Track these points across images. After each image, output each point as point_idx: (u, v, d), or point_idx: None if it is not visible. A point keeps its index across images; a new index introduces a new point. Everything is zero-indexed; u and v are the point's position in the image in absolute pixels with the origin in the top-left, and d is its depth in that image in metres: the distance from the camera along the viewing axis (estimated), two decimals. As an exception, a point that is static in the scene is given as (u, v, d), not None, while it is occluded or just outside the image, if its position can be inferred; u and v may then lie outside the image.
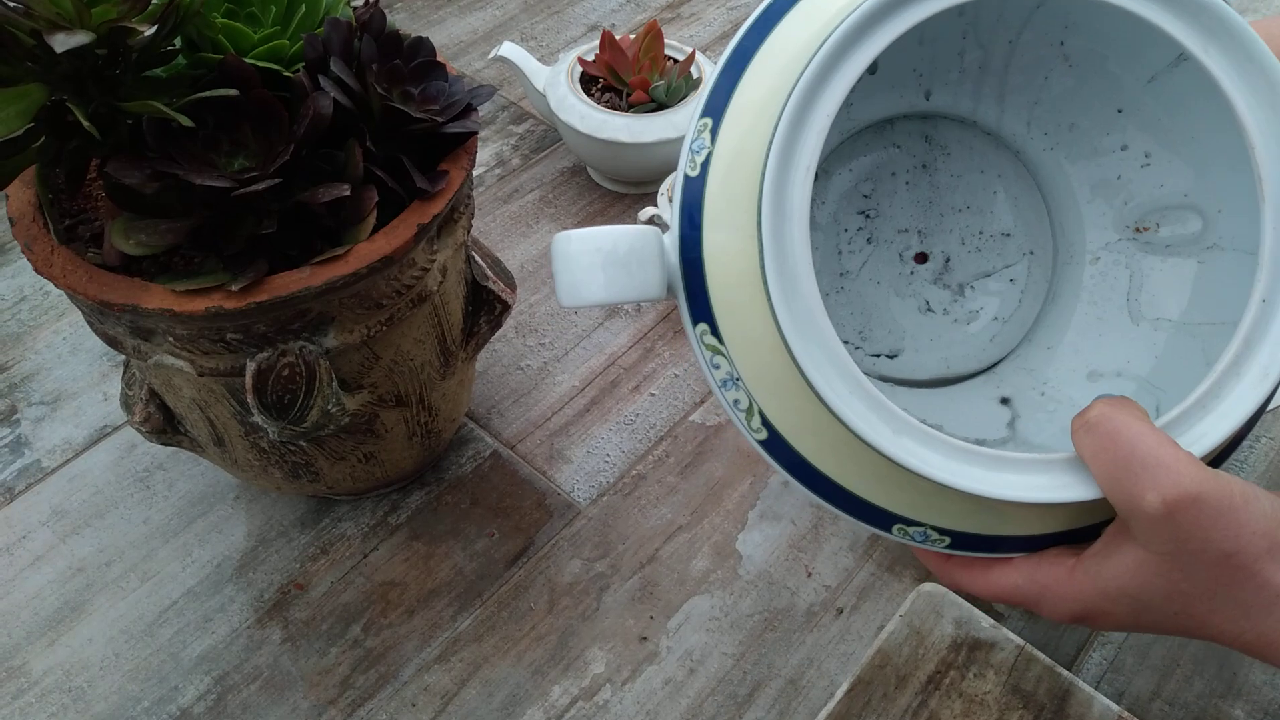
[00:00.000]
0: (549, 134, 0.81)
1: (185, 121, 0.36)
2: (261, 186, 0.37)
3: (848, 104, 0.39)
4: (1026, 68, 0.38)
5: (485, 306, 0.52)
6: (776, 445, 0.32)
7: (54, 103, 0.37)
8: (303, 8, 0.44)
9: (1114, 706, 0.46)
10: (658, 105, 0.71)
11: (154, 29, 0.38)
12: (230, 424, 0.46)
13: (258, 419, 0.42)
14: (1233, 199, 0.34)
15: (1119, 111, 0.37)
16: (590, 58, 0.73)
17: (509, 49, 0.74)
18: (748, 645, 0.51)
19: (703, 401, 0.62)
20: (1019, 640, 0.48)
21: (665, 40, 0.72)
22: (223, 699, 0.49)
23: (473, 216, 0.48)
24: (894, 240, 0.42)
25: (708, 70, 0.73)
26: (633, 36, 0.71)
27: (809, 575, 0.54)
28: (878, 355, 0.42)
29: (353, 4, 0.46)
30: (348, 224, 0.41)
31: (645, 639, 0.52)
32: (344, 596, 0.53)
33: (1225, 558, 0.28)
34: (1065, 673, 0.47)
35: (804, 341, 0.29)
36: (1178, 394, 0.30)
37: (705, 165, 0.32)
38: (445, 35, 0.91)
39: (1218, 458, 0.32)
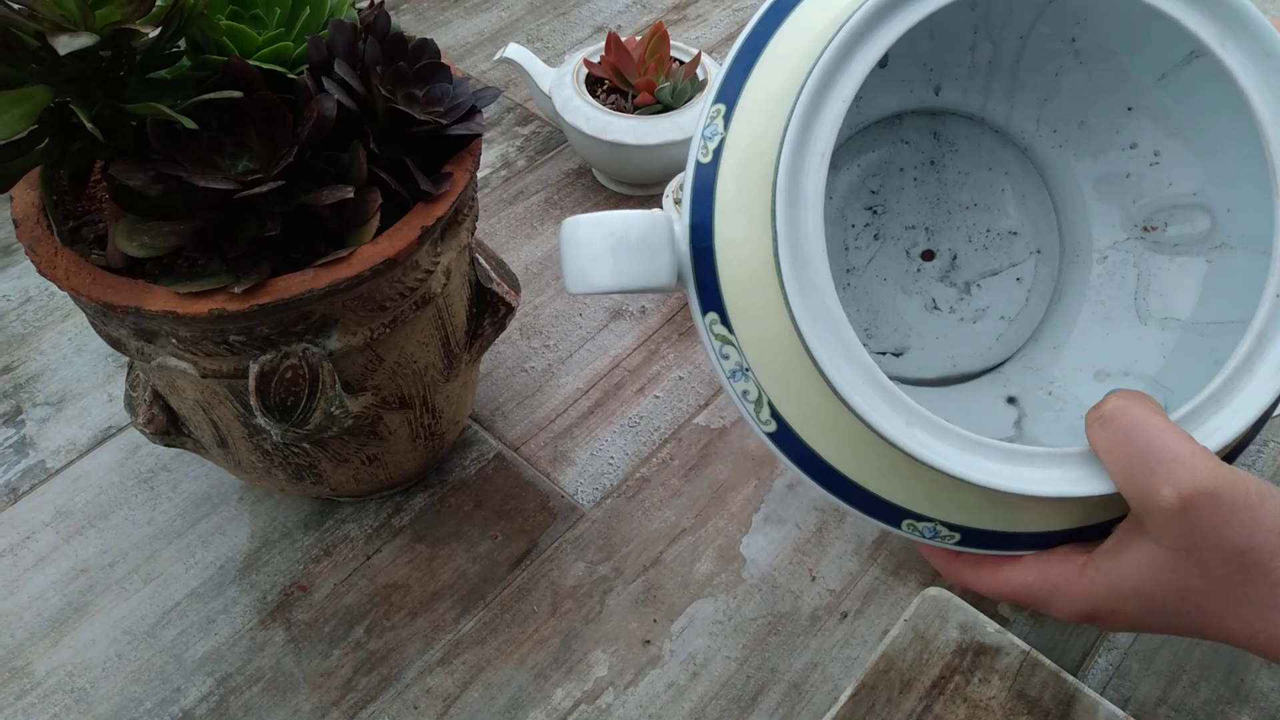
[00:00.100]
0: (555, 135, 0.81)
1: (188, 123, 0.36)
2: (265, 189, 0.37)
3: (857, 97, 0.39)
4: (1037, 64, 0.38)
5: (489, 308, 0.52)
6: (785, 438, 0.32)
7: (58, 105, 0.37)
8: (307, 9, 0.44)
9: (1119, 712, 0.45)
10: (663, 107, 0.70)
11: (158, 31, 0.38)
12: (234, 426, 0.46)
13: (261, 421, 0.42)
14: (1242, 197, 0.34)
15: (1129, 109, 0.37)
16: (596, 59, 0.73)
17: (514, 50, 0.74)
18: (751, 649, 0.51)
19: (707, 404, 0.62)
20: (1024, 645, 0.48)
21: (671, 42, 0.72)
22: (225, 700, 0.49)
23: (477, 218, 0.48)
24: (901, 237, 0.41)
25: (714, 71, 0.73)
26: (639, 38, 0.71)
27: (813, 579, 0.54)
28: (883, 353, 0.41)
29: (358, 6, 0.46)
30: (351, 226, 0.41)
31: (648, 642, 0.51)
32: (347, 598, 0.53)
33: (1240, 554, 0.28)
34: (1071, 678, 0.47)
35: (817, 329, 0.28)
36: (1186, 394, 0.30)
37: (718, 151, 0.32)
38: (451, 37, 0.91)
39: (1229, 455, 0.32)
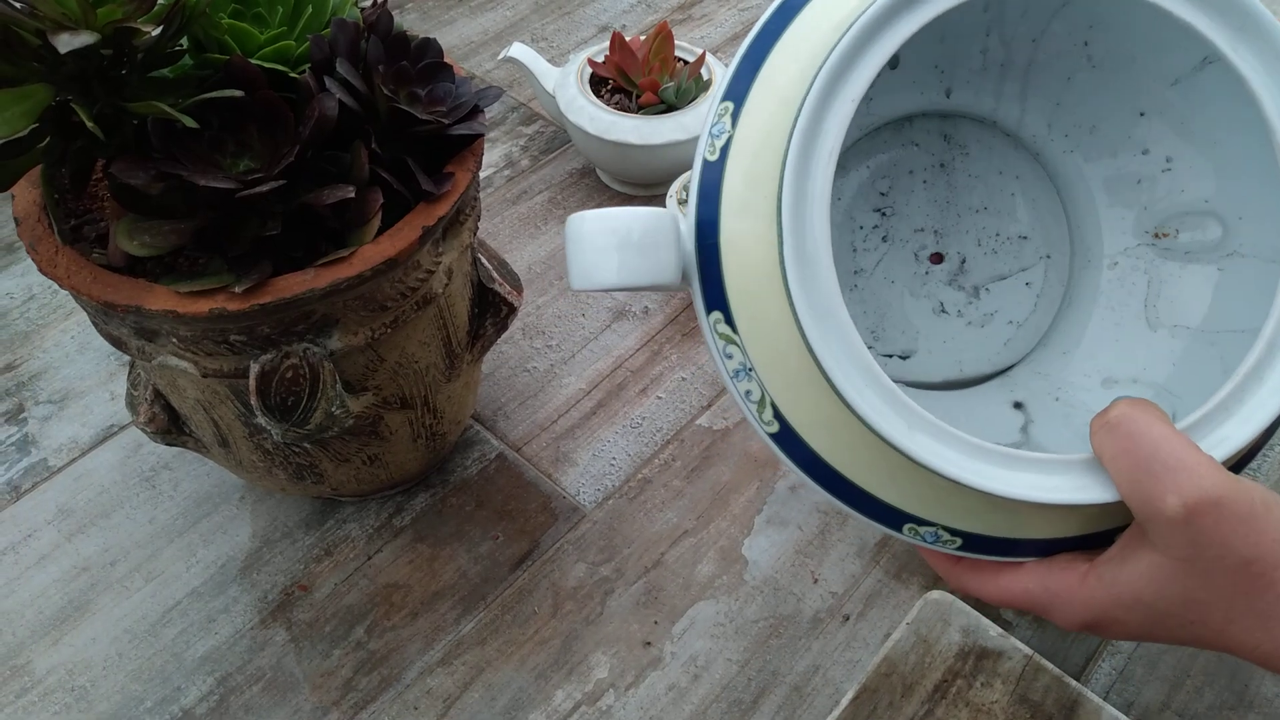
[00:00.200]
0: (558, 135, 0.81)
1: (189, 122, 0.36)
2: (265, 188, 0.37)
3: (868, 98, 0.39)
4: (1049, 67, 0.38)
5: (491, 309, 0.51)
6: (787, 439, 0.31)
7: (59, 103, 0.37)
8: (309, 8, 0.43)
9: (1123, 718, 0.45)
10: (667, 107, 0.70)
11: (159, 30, 0.37)
12: (234, 425, 0.46)
13: (261, 421, 0.42)
14: (1255, 206, 0.34)
15: (1141, 115, 0.37)
16: (600, 59, 0.73)
17: (518, 50, 0.74)
18: (752, 651, 0.51)
19: (710, 405, 0.62)
20: (1027, 649, 0.48)
21: (676, 42, 0.72)
22: (225, 700, 0.49)
23: (479, 219, 0.48)
24: (910, 239, 0.41)
25: (718, 72, 0.73)
26: (643, 38, 0.71)
27: (815, 581, 0.54)
28: (890, 356, 0.41)
29: (360, 5, 0.46)
30: (352, 226, 0.41)
31: (649, 644, 0.51)
32: (348, 598, 0.53)
33: (1244, 565, 0.27)
34: (1074, 683, 0.47)
35: (821, 330, 0.28)
36: (1194, 402, 0.29)
37: (725, 150, 0.31)
38: (456, 36, 0.91)
39: (1236, 465, 0.32)
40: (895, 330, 0.41)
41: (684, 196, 0.65)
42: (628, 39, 0.70)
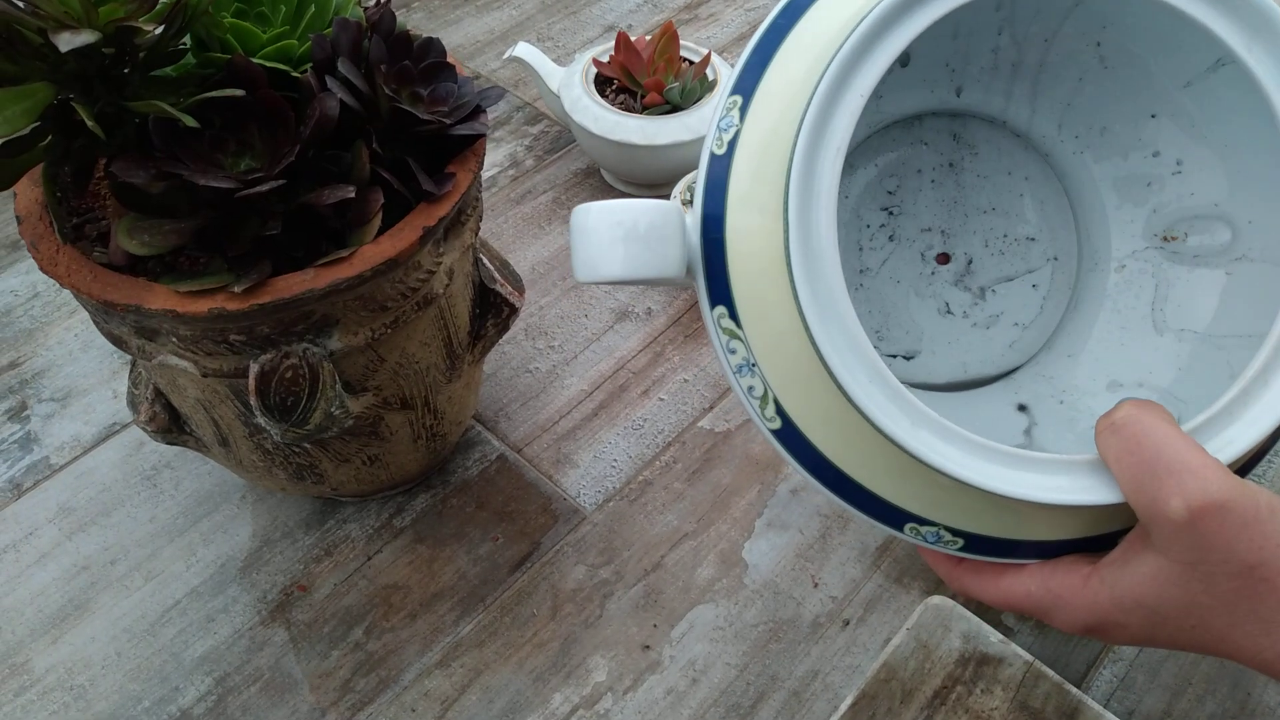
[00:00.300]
0: (563, 135, 0.81)
1: (189, 121, 0.36)
2: (265, 188, 0.37)
3: (878, 95, 0.39)
4: (1061, 68, 0.38)
5: (493, 309, 0.51)
6: (790, 435, 0.31)
7: (60, 101, 0.37)
8: (312, 7, 0.43)
9: (1124, 726, 0.45)
10: (672, 107, 0.70)
11: (161, 28, 0.37)
12: (235, 425, 0.46)
13: (261, 421, 0.42)
14: (1265, 210, 0.33)
15: (1152, 117, 0.37)
16: (605, 59, 0.72)
17: (524, 49, 0.73)
18: (751, 656, 0.51)
19: (712, 407, 0.62)
20: (1027, 656, 0.47)
21: (681, 42, 0.71)
22: (223, 700, 0.49)
23: (481, 219, 0.48)
24: (916, 239, 0.41)
25: (724, 72, 0.73)
26: (649, 38, 0.71)
27: (815, 585, 0.53)
28: (894, 356, 0.41)
29: (364, 4, 0.46)
30: (353, 226, 0.41)
31: (648, 647, 0.51)
32: (347, 599, 0.53)
33: (1249, 569, 0.27)
34: (1074, 690, 0.46)
35: (825, 325, 0.28)
36: (1199, 407, 0.29)
37: (733, 144, 0.31)
38: (462, 35, 0.91)
39: (1243, 469, 0.32)
40: (900, 330, 0.41)
41: (688, 197, 0.65)
42: (634, 39, 0.70)
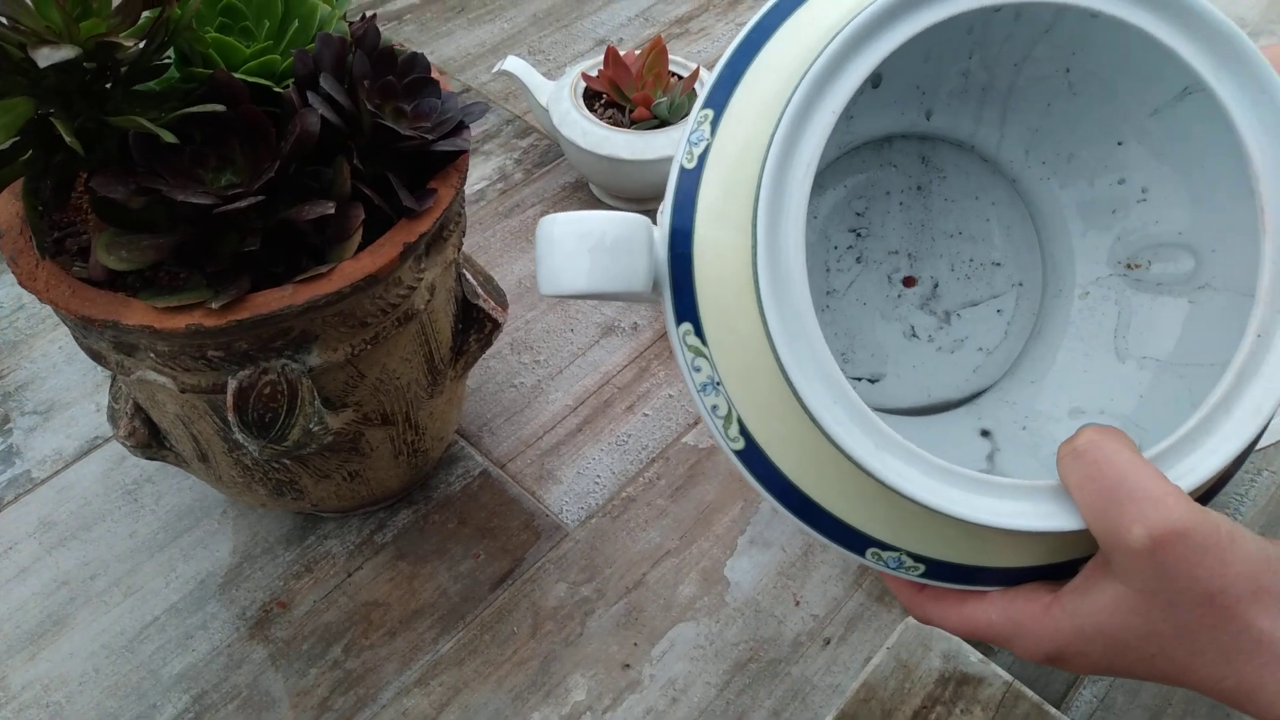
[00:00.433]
0: (552, 149, 0.81)
1: (168, 137, 0.36)
2: (243, 204, 0.37)
3: (849, 116, 0.39)
4: (1030, 93, 0.38)
5: (475, 325, 0.51)
6: (752, 456, 0.31)
7: (41, 116, 0.37)
8: (296, 23, 0.43)
9: (1103, 748, 0.45)
10: (660, 122, 0.70)
11: (142, 44, 0.37)
12: (214, 440, 0.46)
13: (239, 437, 0.42)
14: (1228, 240, 0.33)
15: (1119, 144, 0.37)
16: (595, 73, 0.73)
17: (513, 63, 0.74)
18: (732, 675, 0.50)
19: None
20: (1007, 676, 0.47)
21: (671, 56, 0.72)
22: (200, 717, 0.49)
23: (464, 234, 0.48)
24: (883, 261, 0.41)
25: (711, 90, 0.73)
26: (639, 52, 0.71)
27: (797, 604, 0.53)
28: (859, 379, 0.41)
29: (349, 20, 0.46)
30: (333, 242, 0.41)
31: (628, 666, 0.51)
32: (326, 616, 0.53)
33: (1209, 598, 0.27)
34: (1054, 711, 0.46)
35: (791, 344, 0.28)
36: (1161, 434, 0.29)
37: (703, 157, 0.31)
38: (454, 47, 0.91)
39: (1204, 496, 0.32)
40: (865, 353, 0.41)
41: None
42: (624, 53, 0.70)
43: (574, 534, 0.56)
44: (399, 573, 0.54)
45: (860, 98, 0.36)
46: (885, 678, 0.48)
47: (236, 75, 0.40)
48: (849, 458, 0.28)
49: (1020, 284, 0.41)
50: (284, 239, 0.40)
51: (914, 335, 0.41)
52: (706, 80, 0.32)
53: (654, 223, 0.32)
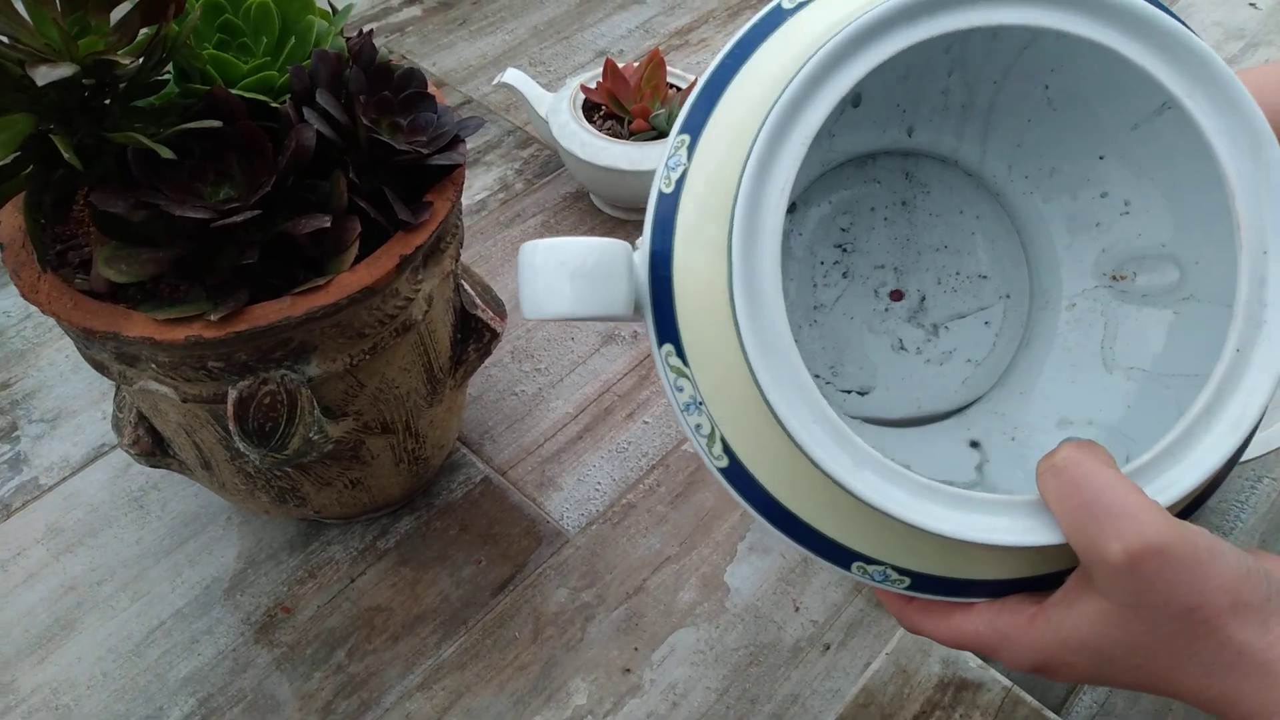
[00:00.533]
0: (553, 159, 0.81)
1: (165, 153, 0.37)
2: (241, 218, 0.37)
3: (830, 134, 0.39)
4: (1010, 109, 0.38)
5: (474, 334, 0.52)
6: (736, 474, 0.31)
7: (41, 132, 0.38)
8: (293, 39, 0.44)
9: (1100, 752, 0.45)
10: (658, 133, 0.71)
11: (140, 61, 0.38)
12: (216, 449, 0.46)
13: (240, 445, 0.42)
14: (1211, 251, 0.34)
15: (1100, 158, 0.37)
16: (594, 85, 0.73)
17: (513, 75, 0.74)
18: (732, 679, 0.51)
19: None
20: (1006, 681, 0.47)
21: (669, 68, 0.72)
22: (205, 722, 0.50)
23: (461, 246, 0.48)
24: (870, 276, 0.41)
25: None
26: (638, 64, 0.71)
27: (796, 609, 0.53)
28: (848, 392, 0.41)
29: (346, 35, 0.47)
30: (330, 254, 0.41)
31: (629, 671, 0.51)
32: (330, 621, 0.53)
33: (1188, 612, 0.27)
34: (1053, 716, 0.46)
35: (769, 364, 0.28)
36: (1148, 444, 0.29)
37: (680, 182, 0.31)
38: (455, 59, 0.92)
39: (1186, 509, 0.32)
40: (854, 366, 0.41)
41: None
42: (624, 65, 0.71)
43: (575, 540, 0.57)
44: (402, 578, 0.55)
45: (841, 116, 0.36)
46: (885, 683, 0.48)
47: (234, 91, 0.41)
48: (829, 475, 0.28)
49: (1007, 296, 0.41)
50: (282, 252, 0.41)
51: (902, 348, 0.41)
52: (684, 106, 0.33)
53: (634, 246, 0.33)
